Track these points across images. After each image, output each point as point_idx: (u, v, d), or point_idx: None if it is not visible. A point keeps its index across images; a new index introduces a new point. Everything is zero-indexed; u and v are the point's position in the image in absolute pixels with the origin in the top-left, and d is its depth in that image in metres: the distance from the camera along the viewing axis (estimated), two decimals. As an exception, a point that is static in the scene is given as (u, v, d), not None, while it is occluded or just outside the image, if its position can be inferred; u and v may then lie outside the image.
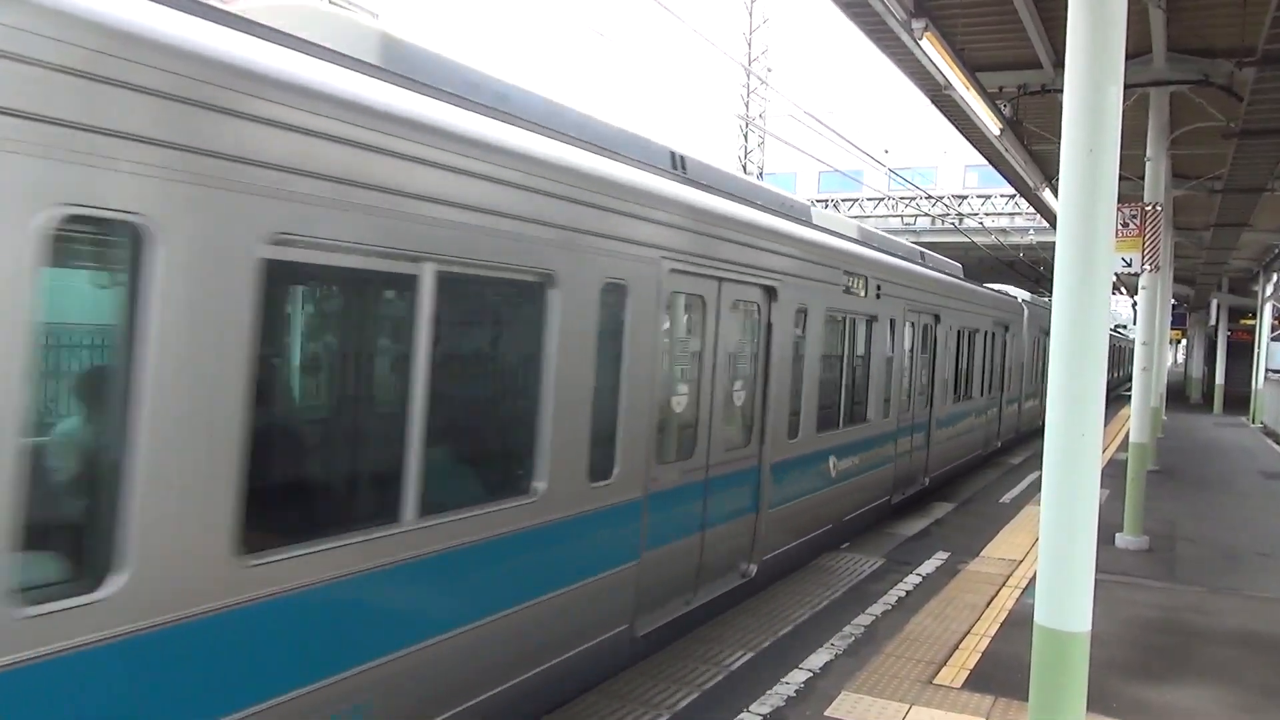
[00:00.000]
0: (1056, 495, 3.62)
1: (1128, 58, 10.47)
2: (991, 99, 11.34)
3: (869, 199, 41.57)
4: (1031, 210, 30.40)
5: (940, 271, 13.72)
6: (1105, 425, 23.25)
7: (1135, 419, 10.82)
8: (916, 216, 40.04)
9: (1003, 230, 36.52)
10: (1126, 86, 3.79)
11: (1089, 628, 3.66)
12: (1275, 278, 27.33)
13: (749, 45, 42.69)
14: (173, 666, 3.18)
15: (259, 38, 3.55)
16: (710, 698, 5.64)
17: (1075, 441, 3.58)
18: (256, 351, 3.42)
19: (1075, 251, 3.61)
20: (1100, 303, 3.61)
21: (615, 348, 5.63)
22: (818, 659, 6.24)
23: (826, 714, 5.39)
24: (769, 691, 5.66)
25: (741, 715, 5.31)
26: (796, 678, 5.90)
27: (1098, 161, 3.57)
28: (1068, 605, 3.59)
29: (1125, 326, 51.38)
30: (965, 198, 40.75)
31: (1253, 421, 27.35)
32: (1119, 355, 44.74)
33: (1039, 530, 3.74)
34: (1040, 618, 3.67)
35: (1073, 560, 3.59)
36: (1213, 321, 36.11)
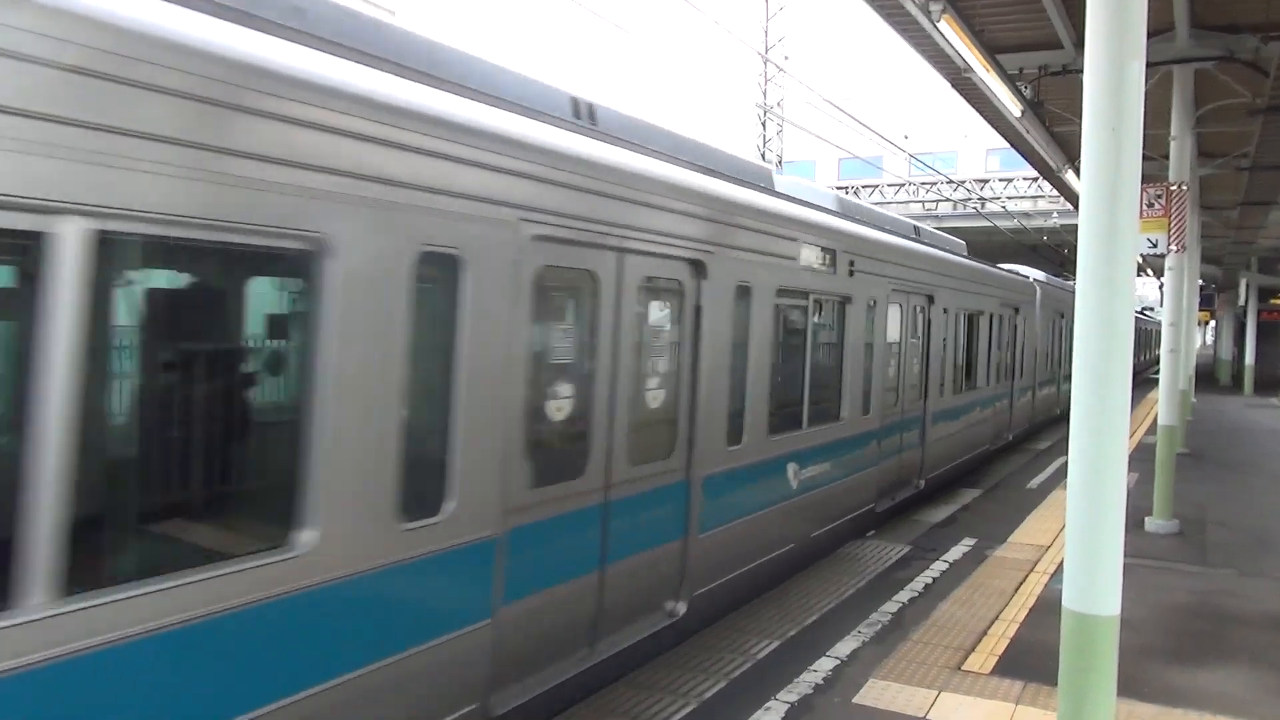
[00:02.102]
0: (1083, 477, 3.59)
1: (1150, 35, 10.30)
2: (1012, 81, 11.23)
3: (890, 185, 41.31)
4: (1055, 193, 30.10)
5: (939, 249, 12.60)
6: (1133, 408, 22.95)
7: (1163, 401, 10.70)
8: (938, 202, 39.74)
9: (1026, 214, 36.18)
10: (1149, 64, 3.74)
11: (1118, 611, 3.62)
12: (1305, 256, 26.92)
13: (765, 33, 42.47)
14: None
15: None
16: (737, 686, 5.65)
17: (1102, 423, 3.54)
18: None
19: (1098, 232, 3.57)
20: (1125, 284, 3.57)
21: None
22: (845, 647, 6.23)
23: (854, 701, 5.38)
24: (796, 679, 5.65)
25: (769, 703, 5.31)
26: (824, 666, 5.89)
27: (1120, 140, 3.52)
28: (1096, 588, 3.56)
29: (1152, 309, 50.78)
30: (987, 181, 40.40)
31: (1284, 402, 26.99)
32: (1145, 338, 44.20)
33: (1066, 514, 3.71)
34: (1068, 601, 3.65)
35: (1101, 543, 3.56)
36: (1242, 302, 35.60)
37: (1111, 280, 3.55)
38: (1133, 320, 3.65)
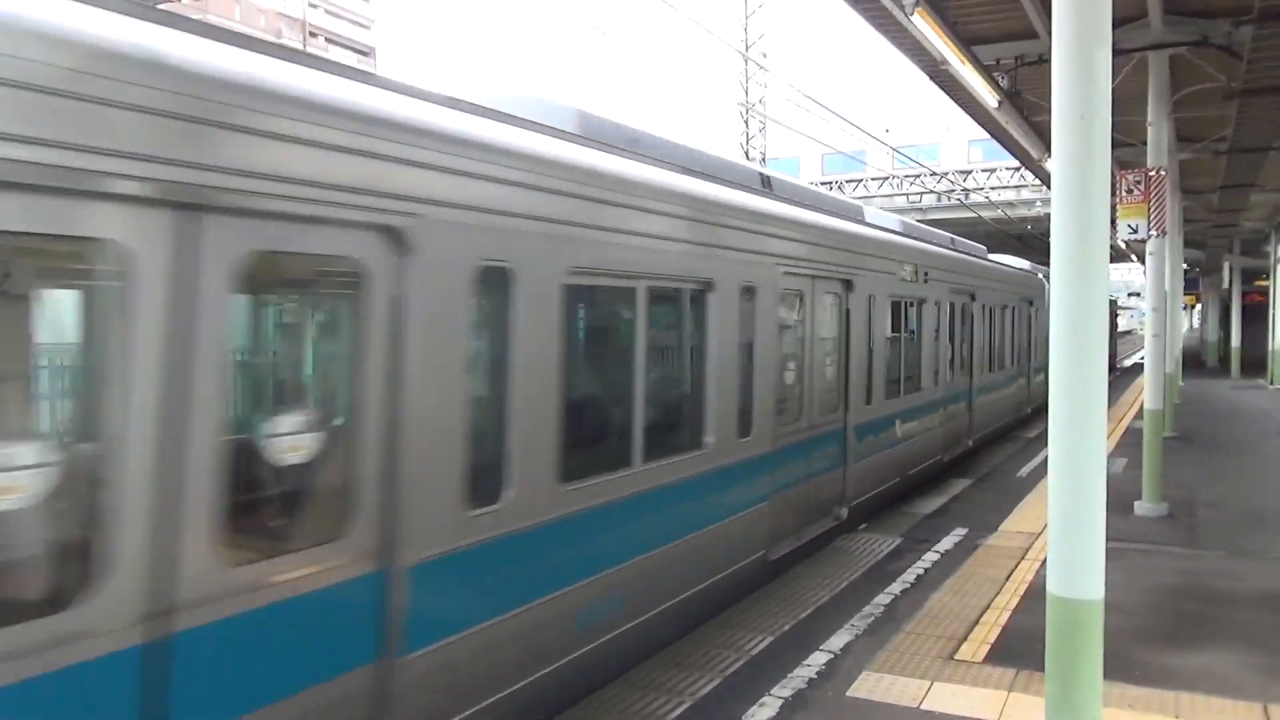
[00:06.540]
0: (1063, 461, 3.62)
1: (1124, 22, 10.39)
2: (989, 72, 11.26)
3: (873, 179, 41.41)
4: (1037, 182, 30.25)
5: (971, 255, 16.05)
6: (1123, 394, 22.84)
7: (1149, 386, 10.75)
8: (922, 194, 39.86)
9: (1009, 203, 36.33)
10: (1124, 51, 3.78)
11: (1102, 595, 3.65)
12: (1287, 237, 27.05)
13: (745, 31, 42.52)
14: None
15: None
16: (731, 683, 5.66)
17: (1079, 408, 3.58)
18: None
19: (1071, 220, 3.60)
20: (1098, 269, 3.59)
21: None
22: (838, 640, 6.26)
23: (848, 694, 5.40)
24: (790, 674, 5.68)
25: (763, 699, 5.33)
26: (817, 660, 5.91)
27: (1090, 128, 3.55)
28: (1080, 573, 3.59)
29: (1138, 294, 50.95)
30: (970, 172, 40.52)
31: (1271, 383, 27.13)
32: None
33: (1048, 500, 3.73)
34: (1053, 586, 3.68)
35: (1082, 527, 3.59)
36: (1226, 284, 35.79)
37: (1085, 267, 3.57)
38: (1107, 306, 3.68)
